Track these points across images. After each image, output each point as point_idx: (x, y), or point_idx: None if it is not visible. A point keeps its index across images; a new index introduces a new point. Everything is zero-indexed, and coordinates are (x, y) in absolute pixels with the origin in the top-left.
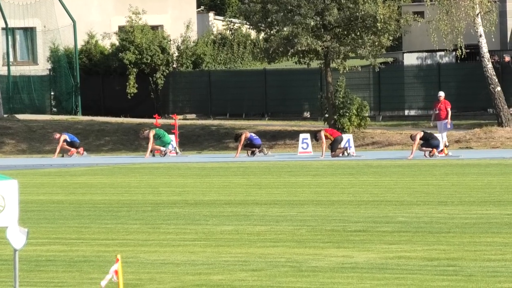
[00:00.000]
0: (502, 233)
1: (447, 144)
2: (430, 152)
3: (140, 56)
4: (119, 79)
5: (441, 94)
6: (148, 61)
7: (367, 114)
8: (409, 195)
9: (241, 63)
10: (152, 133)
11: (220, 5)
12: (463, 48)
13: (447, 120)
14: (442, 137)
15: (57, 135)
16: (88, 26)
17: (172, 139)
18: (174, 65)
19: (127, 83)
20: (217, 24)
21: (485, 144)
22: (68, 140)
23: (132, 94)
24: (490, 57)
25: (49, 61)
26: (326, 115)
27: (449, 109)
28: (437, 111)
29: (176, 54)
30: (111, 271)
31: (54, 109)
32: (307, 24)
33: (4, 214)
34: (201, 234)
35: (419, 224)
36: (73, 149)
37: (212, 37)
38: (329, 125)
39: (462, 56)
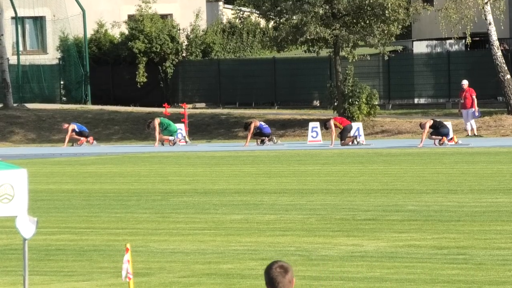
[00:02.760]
0: None
1: (475, 133)
2: (440, 140)
3: (150, 45)
4: (129, 68)
5: (465, 82)
6: (158, 50)
7: (376, 103)
8: (418, 183)
9: (250, 52)
10: (157, 121)
11: None
12: (469, 36)
13: (473, 109)
14: (470, 125)
15: (65, 125)
16: (97, 15)
17: (182, 128)
18: (184, 54)
19: (137, 72)
20: (226, 12)
21: (495, 132)
22: (77, 130)
23: (142, 83)
24: (499, 45)
25: (59, 50)
26: (336, 104)
27: (474, 97)
28: (463, 100)
29: (186, 43)
30: (124, 265)
31: (64, 98)
32: (316, 12)
33: (13, 204)
34: (210, 223)
35: (428, 212)
36: (82, 138)
37: (222, 26)
38: (338, 114)
39: (470, 44)
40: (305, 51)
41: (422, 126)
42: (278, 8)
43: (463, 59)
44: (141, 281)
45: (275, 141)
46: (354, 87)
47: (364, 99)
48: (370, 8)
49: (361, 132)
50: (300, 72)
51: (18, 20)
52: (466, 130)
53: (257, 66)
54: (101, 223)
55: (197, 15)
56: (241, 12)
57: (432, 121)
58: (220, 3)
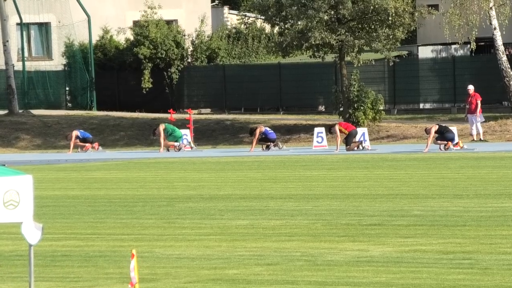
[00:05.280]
0: None
1: (481, 138)
2: (445, 145)
3: (155, 51)
4: (134, 74)
5: (470, 87)
6: (163, 56)
7: (382, 108)
8: (424, 188)
9: (255, 57)
10: (162, 127)
11: None
12: (473, 42)
13: (475, 114)
14: (476, 130)
15: (69, 135)
16: (102, 21)
17: (187, 133)
18: (189, 60)
19: (142, 78)
20: (231, 18)
21: (500, 137)
22: (80, 136)
23: (147, 89)
24: (504, 49)
25: (64, 56)
26: (341, 109)
27: (478, 102)
28: (468, 106)
29: (191, 48)
30: (131, 271)
31: (69, 104)
32: (321, 18)
33: (19, 210)
34: (216, 228)
35: (434, 217)
36: (88, 144)
37: (227, 31)
38: (344, 119)
39: (474, 50)
40: (310, 56)
41: (427, 131)
42: (283, 14)
43: (468, 64)
44: (147, 287)
45: (281, 146)
46: (360, 92)
47: (369, 104)
48: (375, 13)
49: (367, 137)
50: (305, 77)
51: (23, 26)
52: (471, 135)
53: (262, 72)
54: (107, 229)
55: (202, 21)
56: (246, 18)
57: (437, 126)
58: (225, 9)
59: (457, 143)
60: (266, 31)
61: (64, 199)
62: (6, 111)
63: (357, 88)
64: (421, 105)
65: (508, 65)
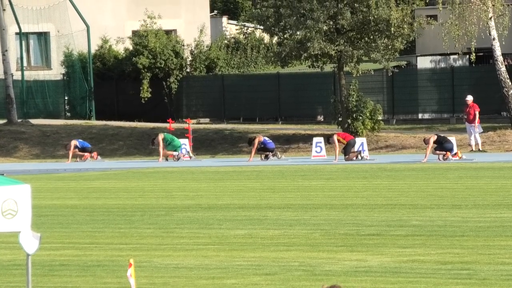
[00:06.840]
0: None
1: (480, 148)
2: (444, 155)
3: (154, 61)
4: (133, 83)
5: (469, 98)
6: (162, 66)
7: (380, 118)
8: (422, 198)
9: (254, 67)
10: (161, 137)
11: (233, 10)
12: (474, 52)
13: (473, 124)
14: (474, 140)
15: (68, 145)
16: (101, 30)
17: (186, 143)
18: (188, 70)
19: (141, 88)
20: (230, 28)
21: (499, 148)
22: (79, 146)
23: (146, 99)
24: (503, 60)
25: (63, 66)
26: (340, 119)
27: (476, 113)
28: (466, 116)
29: (190, 58)
30: (129, 278)
31: (68, 114)
32: (320, 28)
33: (17, 219)
34: (214, 238)
35: (432, 227)
36: (86, 154)
37: (226, 41)
38: (342, 129)
39: (474, 60)
40: (309, 66)
41: (426, 141)
42: (282, 24)
43: (467, 74)
44: None
45: (279, 156)
46: (358, 102)
47: (368, 114)
48: (374, 24)
49: (365, 147)
50: (304, 87)
51: (22, 36)
52: (470, 145)
53: (261, 82)
54: (105, 238)
55: (201, 31)
56: (245, 28)
57: (436, 136)
58: (224, 19)
59: (455, 153)
60: (265, 41)
61: (63, 208)
62: (5, 121)
63: (356, 98)
64: (420, 115)
65: (507, 76)
